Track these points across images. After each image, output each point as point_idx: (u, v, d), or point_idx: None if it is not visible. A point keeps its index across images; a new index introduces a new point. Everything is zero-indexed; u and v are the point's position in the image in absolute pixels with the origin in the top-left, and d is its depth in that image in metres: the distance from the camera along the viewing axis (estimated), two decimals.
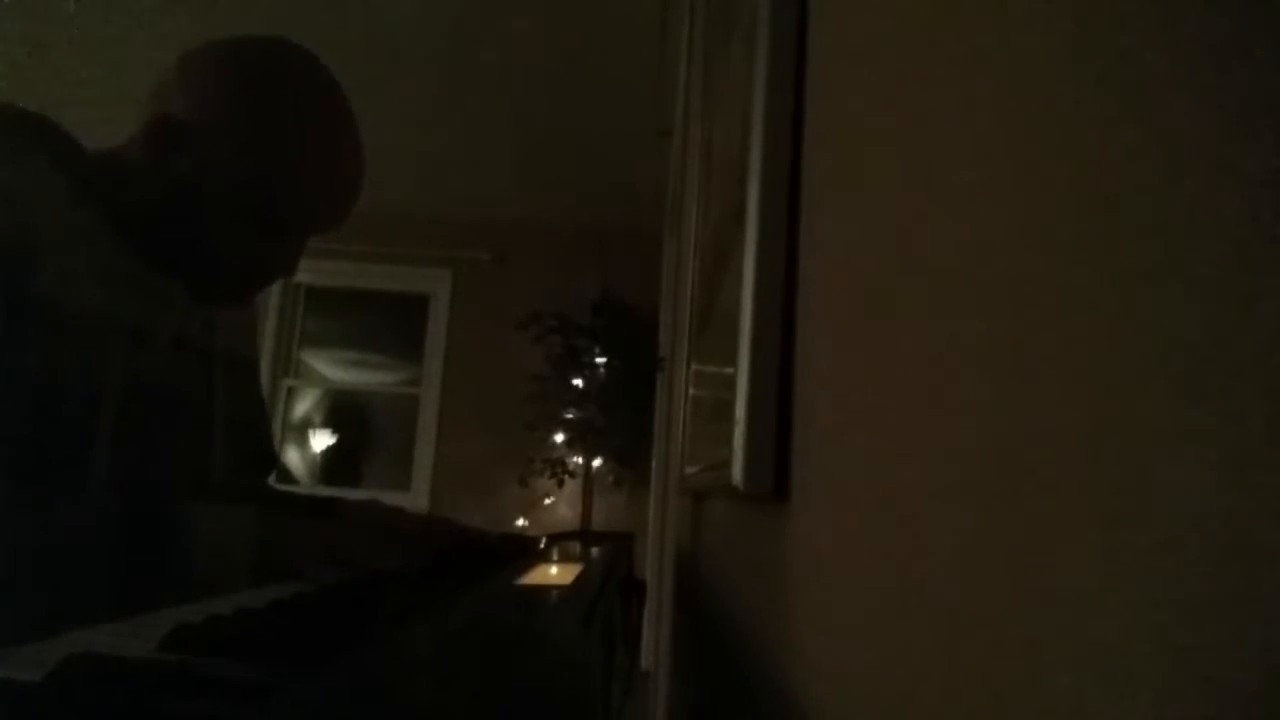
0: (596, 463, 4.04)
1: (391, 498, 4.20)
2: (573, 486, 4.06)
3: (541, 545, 0.94)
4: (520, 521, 4.08)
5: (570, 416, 3.99)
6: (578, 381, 4.00)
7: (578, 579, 0.57)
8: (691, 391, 1.21)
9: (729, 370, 0.60)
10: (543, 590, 0.53)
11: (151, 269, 0.74)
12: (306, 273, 4.40)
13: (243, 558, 0.71)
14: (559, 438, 4.01)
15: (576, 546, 0.96)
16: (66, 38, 2.68)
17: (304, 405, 5.34)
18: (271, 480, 1.05)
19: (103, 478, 0.67)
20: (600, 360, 4.01)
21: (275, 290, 4.32)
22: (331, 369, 5.48)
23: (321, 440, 5.65)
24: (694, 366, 1.21)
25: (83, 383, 0.67)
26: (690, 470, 1.10)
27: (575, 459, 4.03)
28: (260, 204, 0.74)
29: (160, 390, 0.76)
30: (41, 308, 0.63)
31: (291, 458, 5.18)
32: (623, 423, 3.89)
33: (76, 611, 0.42)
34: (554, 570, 0.67)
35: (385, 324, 4.76)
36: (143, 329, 0.73)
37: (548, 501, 4.13)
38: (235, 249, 0.76)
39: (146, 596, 0.48)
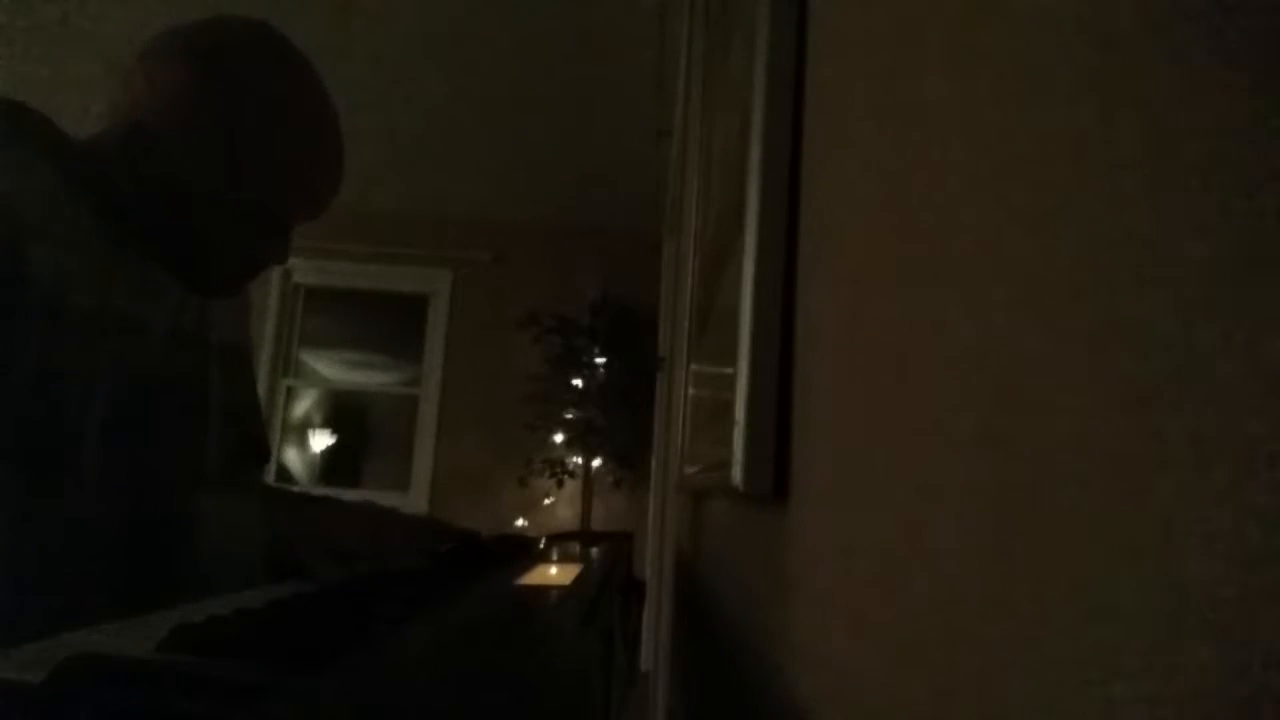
0: (596, 463, 4.04)
1: (391, 498, 4.20)
2: (572, 487, 4.06)
3: (541, 545, 0.94)
4: (520, 521, 4.08)
5: (570, 416, 3.99)
6: (577, 381, 4.00)
7: (577, 579, 0.57)
8: (691, 391, 1.21)
9: (729, 370, 0.60)
10: (542, 590, 0.53)
11: (142, 260, 0.73)
12: (306, 273, 4.40)
13: (241, 551, 0.70)
14: (559, 438, 4.01)
15: (576, 546, 0.96)
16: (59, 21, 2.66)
17: (304, 405, 5.34)
18: (268, 477, 1.04)
19: (100, 471, 0.66)
20: (600, 360, 4.01)
21: (275, 290, 4.32)
22: (331, 369, 5.48)
23: (321, 440, 5.64)
24: (694, 366, 1.21)
25: (79, 375, 0.66)
26: (690, 470, 1.10)
27: (575, 459, 4.03)
28: (241, 201, 0.73)
29: (157, 380, 0.75)
30: (34, 300, 0.62)
31: (291, 458, 5.18)
32: (623, 423, 3.89)
33: (76, 607, 0.41)
34: (554, 570, 0.67)
35: (385, 324, 4.76)
36: (138, 319, 0.72)
37: (547, 502, 4.12)
38: (221, 244, 0.75)
39: (147, 591, 0.48)
